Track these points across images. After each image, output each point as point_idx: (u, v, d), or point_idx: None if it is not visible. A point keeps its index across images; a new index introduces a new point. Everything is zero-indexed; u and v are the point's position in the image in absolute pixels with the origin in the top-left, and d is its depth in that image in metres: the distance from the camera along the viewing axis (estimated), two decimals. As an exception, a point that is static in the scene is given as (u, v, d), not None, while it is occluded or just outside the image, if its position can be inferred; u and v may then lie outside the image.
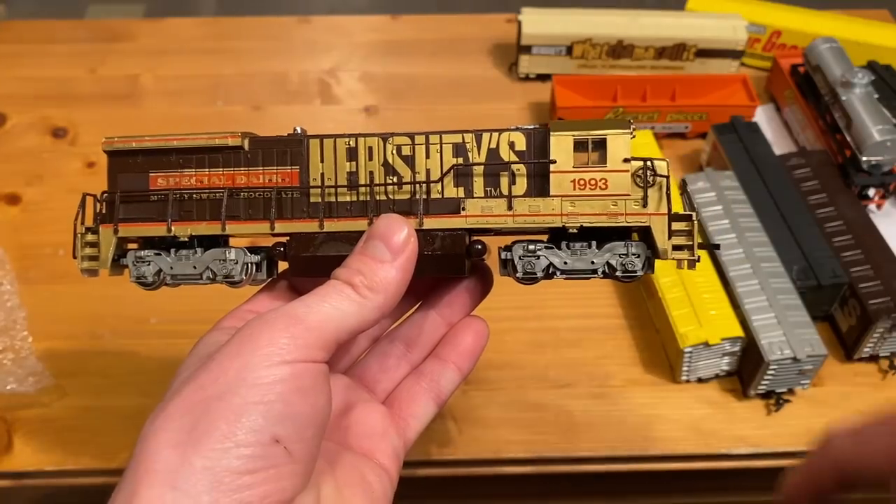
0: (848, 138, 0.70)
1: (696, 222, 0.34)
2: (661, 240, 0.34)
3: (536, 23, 0.84)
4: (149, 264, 0.37)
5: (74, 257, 0.38)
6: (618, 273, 0.35)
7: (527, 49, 0.85)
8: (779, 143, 0.79)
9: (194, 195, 0.37)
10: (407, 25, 0.97)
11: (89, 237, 0.38)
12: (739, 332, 0.56)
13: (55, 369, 0.60)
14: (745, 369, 0.58)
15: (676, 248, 0.34)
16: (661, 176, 0.34)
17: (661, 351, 0.61)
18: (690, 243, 0.34)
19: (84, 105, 0.85)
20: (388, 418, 0.38)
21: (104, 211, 0.38)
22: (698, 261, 0.35)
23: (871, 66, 0.78)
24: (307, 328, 0.30)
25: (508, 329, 0.62)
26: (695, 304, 0.58)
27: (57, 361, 0.61)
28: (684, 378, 0.59)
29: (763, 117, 0.82)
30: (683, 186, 0.36)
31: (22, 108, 0.84)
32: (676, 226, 0.34)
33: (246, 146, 0.37)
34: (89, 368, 0.60)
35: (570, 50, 0.85)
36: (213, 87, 0.87)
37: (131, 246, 0.38)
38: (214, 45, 0.93)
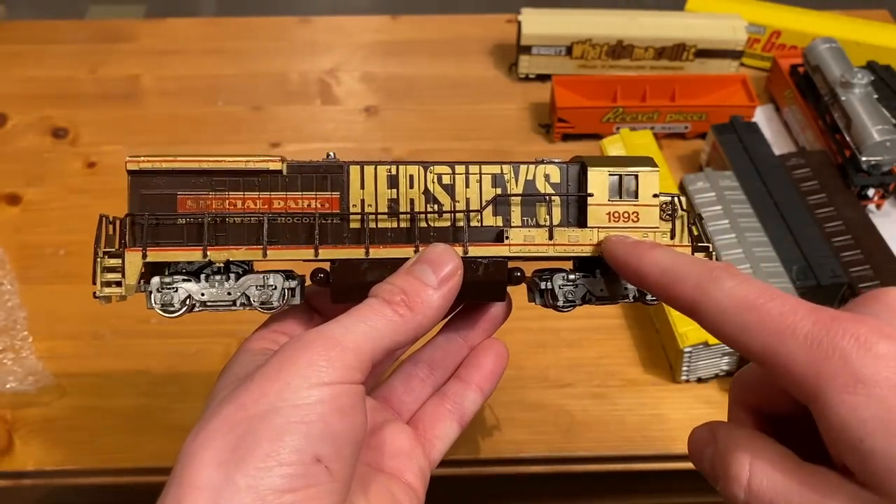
0: (847, 138, 0.70)
1: (713, 253, 0.37)
2: None
3: (536, 23, 0.84)
4: (177, 290, 0.36)
5: (94, 283, 0.36)
6: (648, 297, 0.38)
7: (527, 49, 0.85)
8: (778, 144, 0.79)
9: (227, 219, 0.36)
10: (407, 26, 0.97)
11: (108, 262, 0.35)
12: (739, 332, 0.56)
13: (55, 369, 0.60)
14: (745, 369, 0.58)
15: None
16: (684, 210, 0.37)
17: (660, 351, 0.61)
18: None
19: (84, 105, 0.85)
20: (415, 439, 0.38)
21: (127, 234, 0.35)
22: None
23: (871, 67, 0.78)
24: (344, 350, 0.30)
25: (509, 329, 0.62)
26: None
27: (57, 361, 0.61)
28: (684, 378, 0.59)
29: (762, 117, 0.82)
30: (697, 218, 0.38)
31: (22, 108, 0.84)
32: (697, 255, 0.37)
33: (284, 171, 0.36)
34: (89, 368, 0.60)
35: (569, 50, 0.85)
36: (213, 87, 0.87)
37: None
38: (214, 45, 0.93)
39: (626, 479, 0.59)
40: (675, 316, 0.58)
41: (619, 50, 0.85)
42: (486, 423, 0.57)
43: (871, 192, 0.69)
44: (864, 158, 0.68)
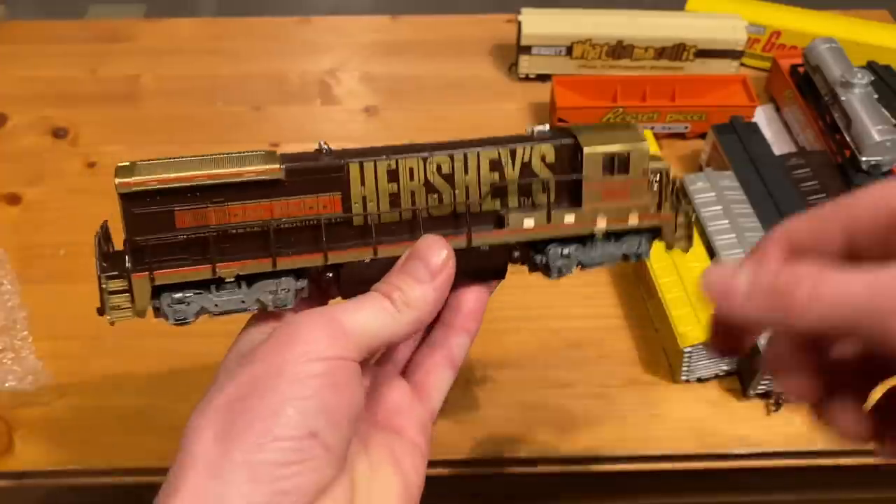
0: (847, 139, 0.70)
1: (693, 214, 0.40)
2: (669, 237, 0.40)
3: (536, 23, 0.84)
4: (189, 305, 0.35)
5: (101, 313, 0.34)
6: (630, 258, 0.40)
7: (527, 49, 0.85)
8: (778, 144, 0.79)
9: (230, 231, 0.34)
10: (407, 26, 0.97)
11: (112, 285, 0.34)
12: (739, 332, 0.56)
13: (55, 369, 0.60)
14: (745, 369, 0.58)
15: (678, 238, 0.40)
16: (671, 182, 0.39)
17: (660, 351, 0.61)
18: (689, 233, 0.40)
19: (84, 105, 0.85)
20: (412, 392, 0.39)
21: (130, 258, 0.34)
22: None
23: (871, 67, 0.78)
24: (344, 330, 0.32)
25: (509, 329, 0.62)
26: (694, 303, 0.58)
27: (57, 361, 0.61)
28: (684, 378, 0.59)
29: (763, 117, 0.82)
30: (683, 190, 0.40)
31: (22, 108, 0.84)
32: (679, 220, 0.40)
33: (283, 176, 0.35)
34: (89, 368, 0.60)
35: (570, 50, 0.85)
36: (213, 87, 0.87)
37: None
38: (214, 45, 0.94)
39: (626, 479, 0.59)
40: (674, 316, 0.58)
41: (619, 50, 0.85)
42: (486, 424, 0.57)
43: (871, 192, 0.69)
44: (864, 158, 0.68)
